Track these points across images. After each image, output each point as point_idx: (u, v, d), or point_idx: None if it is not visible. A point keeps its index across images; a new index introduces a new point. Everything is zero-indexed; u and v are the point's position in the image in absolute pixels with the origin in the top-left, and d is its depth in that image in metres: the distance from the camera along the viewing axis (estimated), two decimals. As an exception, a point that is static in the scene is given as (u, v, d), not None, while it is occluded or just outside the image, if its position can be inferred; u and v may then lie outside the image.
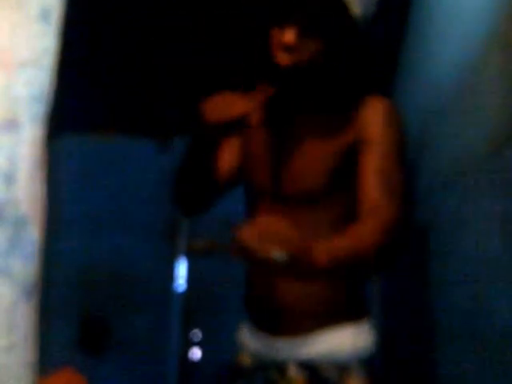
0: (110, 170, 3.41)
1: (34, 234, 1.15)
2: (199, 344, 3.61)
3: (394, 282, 2.92)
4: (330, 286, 1.53)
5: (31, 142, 1.16)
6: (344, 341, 1.51)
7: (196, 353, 3.63)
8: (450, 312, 1.77)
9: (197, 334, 3.62)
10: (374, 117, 1.53)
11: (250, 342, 1.62)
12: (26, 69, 1.17)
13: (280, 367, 1.54)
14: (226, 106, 1.57)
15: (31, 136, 1.16)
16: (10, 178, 1.13)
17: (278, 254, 1.27)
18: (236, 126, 1.59)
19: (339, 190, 1.54)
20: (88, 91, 2.89)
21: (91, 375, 1.52)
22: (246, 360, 1.63)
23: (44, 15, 1.21)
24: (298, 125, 1.61)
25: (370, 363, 1.53)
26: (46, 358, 1.27)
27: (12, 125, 1.15)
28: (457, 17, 1.76)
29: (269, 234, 1.29)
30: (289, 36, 1.52)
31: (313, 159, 1.56)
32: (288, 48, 1.52)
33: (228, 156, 1.71)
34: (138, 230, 3.44)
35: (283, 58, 1.54)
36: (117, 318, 3.35)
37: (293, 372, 1.52)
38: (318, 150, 1.56)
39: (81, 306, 3.34)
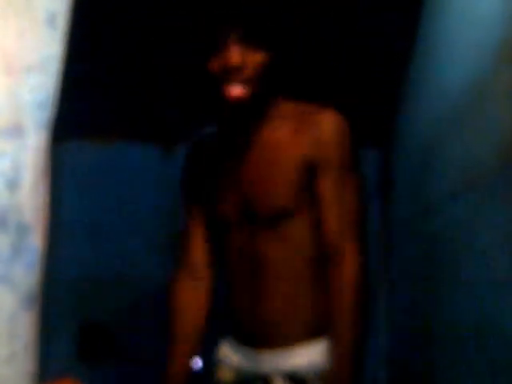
0: (113, 175, 3.40)
1: (36, 241, 1.15)
2: (201, 353, 3.60)
3: (402, 291, 2.91)
4: (315, 300, 1.57)
5: (36, 149, 1.16)
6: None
7: (197, 362, 3.61)
8: (457, 323, 1.77)
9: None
10: (328, 136, 1.53)
11: (234, 356, 1.65)
12: (31, 74, 1.17)
13: (265, 380, 1.56)
14: None
15: (36, 142, 1.16)
16: (13, 185, 1.13)
17: None
18: None
19: (308, 203, 1.55)
20: (91, 97, 2.90)
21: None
22: (227, 375, 1.66)
23: (50, 21, 1.21)
24: (252, 145, 1.59)
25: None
26: (46, 367, 1.26)
27: (17, 131, 1.14)
28: (468, 28, 1.76)
29: None
30: (233, 55, 1.46)
31: (274, 174, 1.56)
32: (234, 69, 1.46)
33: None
34: (140, 237, 3.42)
35: (234, 91, 1.48)
36: (118, 327, 3.34)
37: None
38: (277, 165, 1.56)
39: (81, 314, 3.33)
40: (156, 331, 3.38)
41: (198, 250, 1.73)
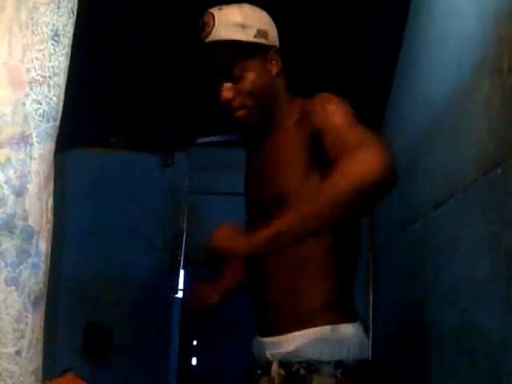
0: (114, 183, 3.46)
1: (41, 245, 1.19)
2: (198, 353, 3.65)
3: (386, 296, 2.95)
4: (312, 293, 1.64)
5: (40, 157, 1.19)
6: (317, 342, 1.59)
7: (195, 361, 3.66)
8: (439, 328, 1.79)
9: (196, 343, 3.65)
10: (319, 109, 1.61)
11: (253, 344, 1.78)
12: (37, 87, 1.21)
13: (266, 365, 1.67)
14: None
15: (40, 151, 1.19)
16: (19, 191, 1.15)
17: None
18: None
19: (312, 187, 1.61)
20: (94, 109, 2.94)
21: (93, 380, 1.56)
22: (252, 361, 1.77)
23: (54, 36, 1.24)
24: (264, 142, 1.79)
25: (359, 366, 1.60)
26: (51, 364, 1.30)
27: (22, 140, 1.17)
28: (449, 44, 1.79)
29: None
30: (223, 92, 1.68)
31: (282, 162, 1.70)
32: (227, 102, 1.68)
33: None
34: (141, 242, 3.48)
35: (237, 116, 1.70)
36: (119, 326, 3.39)
37: (274, 369, 1.63)
38: (283, 153, 1.70)
39: (85, 315, 3.37)
40: (154, 332, 3.44)
41: None
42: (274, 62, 1.74)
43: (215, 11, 1.68)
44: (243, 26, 1.67)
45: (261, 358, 1.71)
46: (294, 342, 1.61)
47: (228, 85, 1.69)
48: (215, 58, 1.69)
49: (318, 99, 1.65)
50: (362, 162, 1.35)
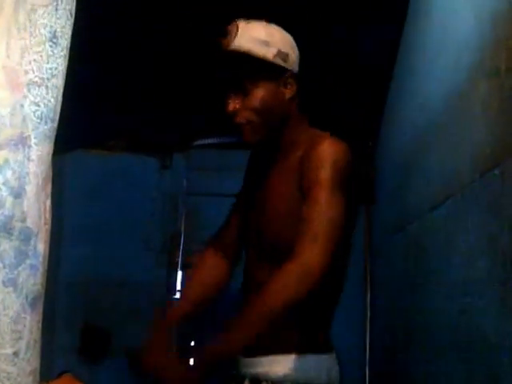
0: (113, 185, 3.47)
1: (39, 246, 1.19)
2: (195, 353, 3.65)
3: (384, 296, 2.96)
4: (291, 321, 1.64)
5: (39, 159, 1.19)
6: (290, 368, 1.65)
7: (192, 361, 3.66)
8: (436, 328, 1.80)
9: (194, 344, 3.66)
10: (311, 161, 1.60)
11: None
12: (35, 89, 1.21)
13: (239, 381, 1.72)
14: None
15: (39, 153, 1.19)
16: (17, 193, 1.16)
17: None
18: None
19: None
20: (93, 111, 2.94)
21: (91, 381, 1.56)
22: (233, 374, 1.80)
23: (53, 37, 1.25)
24: (271, 166, 1.76)
25: None
26: (49, 365, 1.30)
27: (21, 142, 1.17)
28: (447, 46, 1.79)
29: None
30: (229, 105, 1.67)
31: (277, 203, 1.69)
32: (232, 115, 1.67)
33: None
34: (139, 243, 3.49)
35: (246, 135, 1.68)
36: (117, 326, 3.39)
37: None
38: (280, 193, 1.69)
39: (82, 316, 3.38)
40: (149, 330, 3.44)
41: (229, 235, 1.89)
42: (289, 85, 1.71)
43: (241, 23, 1.67)
44: (265, 44, 1.65)
45: (236, 373, 1.75)
46: (267, 365, 1.67)
47: (236, 97, 1.68)
48: (230, 68, 1.68)
49: (320, 150, 1.61)
50: (289, 287, 1.49)
